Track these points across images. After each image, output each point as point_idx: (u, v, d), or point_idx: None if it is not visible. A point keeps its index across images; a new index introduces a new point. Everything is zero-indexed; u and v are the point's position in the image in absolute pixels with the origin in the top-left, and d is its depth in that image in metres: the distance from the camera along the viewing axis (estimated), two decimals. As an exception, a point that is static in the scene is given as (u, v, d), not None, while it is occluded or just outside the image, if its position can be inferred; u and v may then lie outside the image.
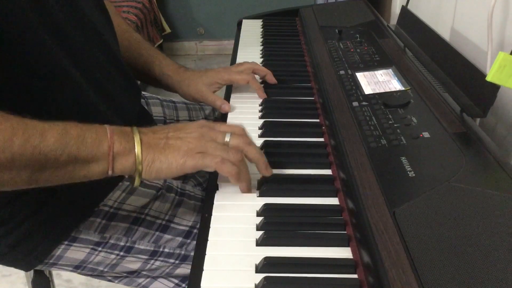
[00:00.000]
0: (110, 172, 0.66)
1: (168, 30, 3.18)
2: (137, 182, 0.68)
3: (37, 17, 0.69)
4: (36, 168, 0.61)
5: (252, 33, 1.41)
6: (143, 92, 1.14)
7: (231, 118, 0.96)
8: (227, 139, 0.72)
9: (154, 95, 1.14)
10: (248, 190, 0.73)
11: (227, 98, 1.04)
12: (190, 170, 0.69)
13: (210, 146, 0.69)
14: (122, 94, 0.89)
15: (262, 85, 1.04)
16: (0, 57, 0.66)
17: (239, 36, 1.41)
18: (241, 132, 0.74)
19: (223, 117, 0.98)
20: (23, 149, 0.59)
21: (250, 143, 0.73)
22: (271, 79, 1.05)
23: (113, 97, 0.86)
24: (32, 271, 1.08)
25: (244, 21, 1.51)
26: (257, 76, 1.05)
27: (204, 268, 0.61)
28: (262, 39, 1.36)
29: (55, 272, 1.32)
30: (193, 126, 0.72)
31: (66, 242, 0.82)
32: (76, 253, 0.83)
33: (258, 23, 1.49)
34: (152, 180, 0.69)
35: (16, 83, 0.70)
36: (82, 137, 0.63)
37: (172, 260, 0.87)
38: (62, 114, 0.74)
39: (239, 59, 1.24)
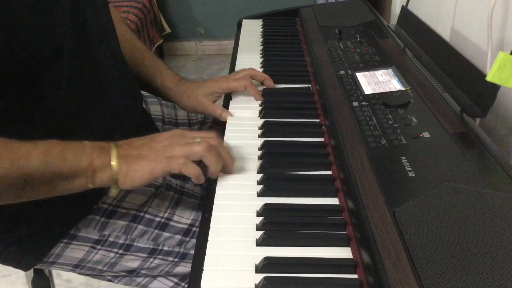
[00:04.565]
0: (90, 186, 0.70)
1: (168, 30, 3.18)
2: (113, 192, 0.72)
3: (44, 28, 0.70)
4: (22, 186, 0.65)
5: (252, 33, 1.41)
6: (142, 92, 1.14)
7: (231, 118, 0.96)
8: (197, 140, 0.75)
9: (153, 95, 1.15)
10: (215, 176, 0.76)
11: (228, 98, 1.04)
12: (161, 175, 0.72)
13: (176, 149, 0.73)
14: (125, 98, 0.90)
15: (261, 88, 1.05)
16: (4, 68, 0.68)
17: (239, 36, 1.41)
18: (211, 136, 0.77)
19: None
20: (9, 171, 0.63)
21: (220, 143, 0.77)
22: (270, 83, 1.06)
23: (117, 101, 0.86)
24: (32, 271, 1.08)
25: (244, 21, 1.51)
26: (255, 82, 1.06)
27: (204, 268, 0.61)
28: (262, 39, 1.36)
29: (55, 272, 1.32)
30: (165, 135, 0.76)
31: (65, 240, 0.82)
32: (75, 251, 0.84)
33: (258, 23, 1.49)
34: (129, 188, 0.74)
35: (20, 90, 0.71)
36: (64, 155, 0.67)
37: (171, 258, 0.87)
38: (63, 119, 0.75)
39: (239, 59, 1.24)
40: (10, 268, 0.86)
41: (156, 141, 0.74)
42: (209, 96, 1.02)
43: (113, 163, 0.70)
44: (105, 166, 0.70)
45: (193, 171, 0.73)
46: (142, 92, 1.12)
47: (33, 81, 0.71)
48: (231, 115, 0.97)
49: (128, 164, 0.71)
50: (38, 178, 0.66)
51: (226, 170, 0.78)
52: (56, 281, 1.46)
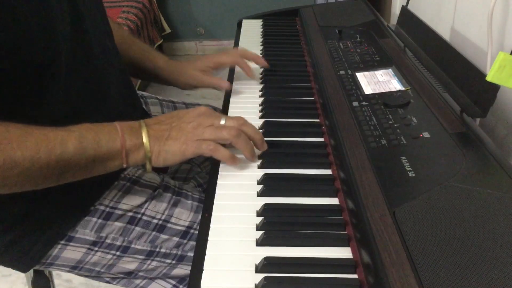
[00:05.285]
0: (125, 165, 0.74)
1: (168, 30, 3.18)
2: (148, 168, 0.76)
3: (40, 27, 0.70)
4: (61, 172, 0.68)
5: (252, 33, 1.41)
6: (142, 92, 1.14)
7: (231, 118, 0.96)
8: (222, 122, 0.78)
9: (153, 95, 1.15)
10: (252, 157, 0.80)
11: (227, 99, 1.04)
12: (191, 156, 0.76)
13: (206, 133, 0.76)
14: (123, 102, 0.90)
15: (261, 79, 1.05)
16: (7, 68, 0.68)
17: (239, 36, 1.41)
18: (236, 117, 0.80)
19: (223, 113, 0.98)
20: (48, 160, 0.66)
21: (245, 122, 0.80)
22: (262, 62, 1.08)
23: (115, 105, 0.86)
24: (32, 271, 1.08)
25: (244, 21, 1.51)
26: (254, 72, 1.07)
27: (204, 268, 0.61)
28: (262, 39, 1.36)
29: (55, 272, 1.32)
30: (193, 115, 0.78)
31: (62, 242, 0.82)
32: (73, 253, 0.83)
33: (258, 23, 1.49)
34: (161, 166, 0.78)
35: (23, 91, 0.71)
36: (98, 140, 0.70)
37: (168, 261, 0.87)
38: (61, 122, 0.75)
39: (239, 59, 1.24)
40: (10, 268, 0.86)
41: (184, 121, 0.77)
42: (202, 71, 1.04)
43: (146, 144, 0.73)
44: (138, 147, 0.73)
45: (223, 155, 0.77)
46: (142, 92, 1.12)
47: (32, 84, 0.71)
48: (229, 84, 0.98)
49: (159, 145, 0.74)
50: (75, 164, 0.68)
51: (256, 146, 0.81)
52: (56, 281, 1.46)
